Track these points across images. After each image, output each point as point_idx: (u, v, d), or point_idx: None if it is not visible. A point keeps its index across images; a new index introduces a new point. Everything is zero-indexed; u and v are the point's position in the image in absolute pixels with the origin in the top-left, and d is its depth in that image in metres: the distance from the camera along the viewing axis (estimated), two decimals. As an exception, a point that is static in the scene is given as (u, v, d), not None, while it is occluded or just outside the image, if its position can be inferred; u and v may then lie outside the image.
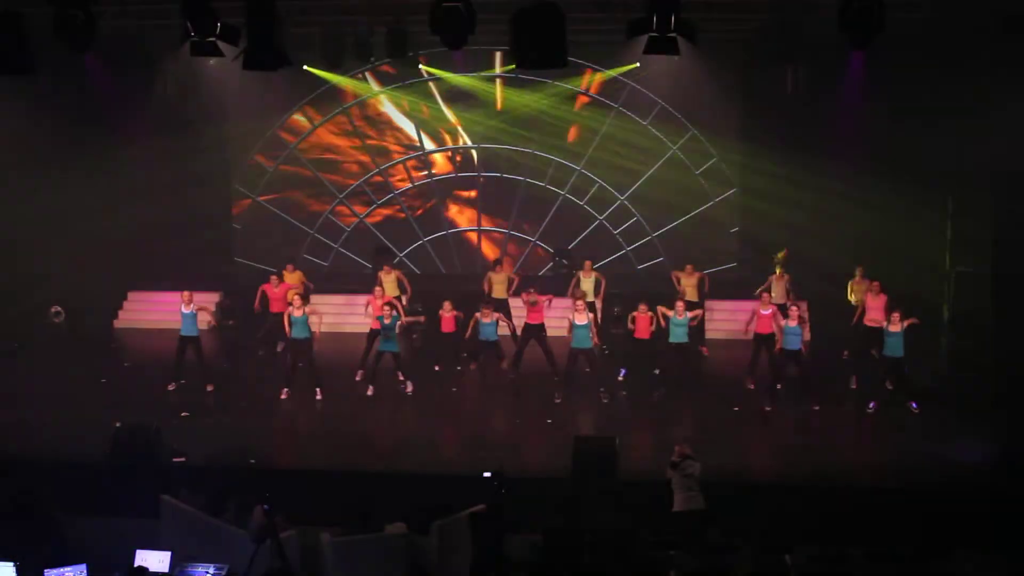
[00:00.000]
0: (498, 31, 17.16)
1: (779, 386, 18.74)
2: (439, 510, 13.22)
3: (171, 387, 19.40)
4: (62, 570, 11.20)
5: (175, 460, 15.59)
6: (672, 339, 18.97)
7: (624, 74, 25.71)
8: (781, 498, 14.50)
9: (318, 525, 13.44)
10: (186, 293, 19.59)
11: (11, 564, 11.28)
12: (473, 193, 27.47)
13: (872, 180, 22.55)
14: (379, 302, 19.61)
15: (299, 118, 27.22)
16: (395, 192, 27.41)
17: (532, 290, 19.99)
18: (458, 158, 27.33)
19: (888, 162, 22.03)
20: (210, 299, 23.45)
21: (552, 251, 26.91)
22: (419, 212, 27.54)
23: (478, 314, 19.16)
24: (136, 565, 11.42)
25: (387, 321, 19.02)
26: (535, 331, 19.64)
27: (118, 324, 23.36)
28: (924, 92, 20.43)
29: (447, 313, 19.76)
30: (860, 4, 14.08)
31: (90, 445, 16.25)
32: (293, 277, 22.26)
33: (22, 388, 19.41)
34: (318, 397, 18.90)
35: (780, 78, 24.64)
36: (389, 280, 21.75)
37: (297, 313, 18.79)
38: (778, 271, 21.83)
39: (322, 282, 24.48)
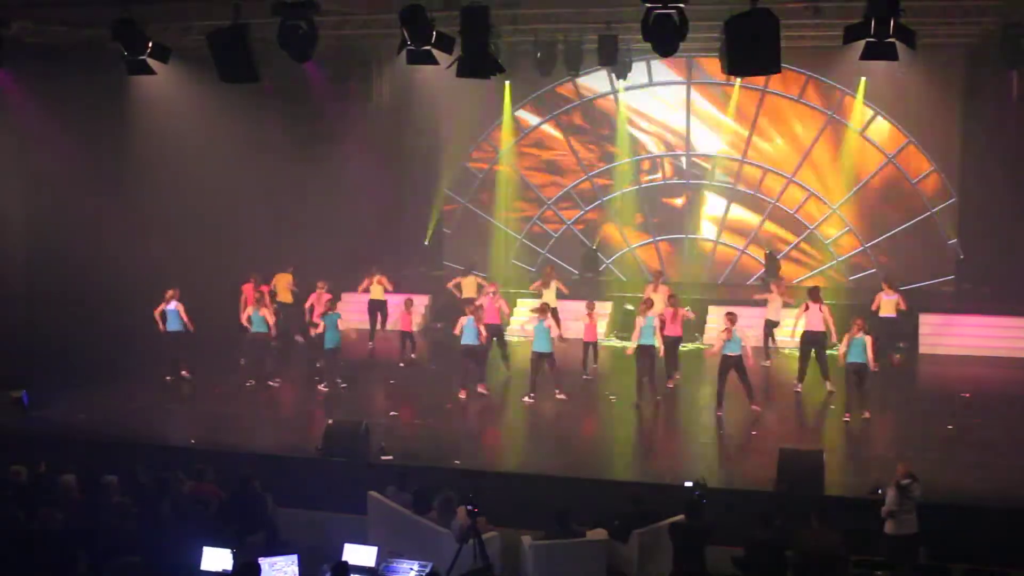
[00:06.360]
0: (708, 38, 17.13)
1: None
2: (640, 518, 13.18)
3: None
4: (274, 559, 11.51)
5: (383, 458, 15.95)
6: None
7: (838, 80, 25.19)
8: (998, 520, 13.83)
9: (519, 528, 13.56)
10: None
11: (229, 551, 11.74)
12: (682, 200, 27.34)
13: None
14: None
15: (521, 116, 27.69)
16: (603, 199, 27.50)
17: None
18: (668, 165, 27.27)
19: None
20: (420, 301, 24.08)
21: (768, 253, 26.45)
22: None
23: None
24: (343, 559, 11.70)
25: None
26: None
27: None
28: None
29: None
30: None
31: (303, 441, 16.85)
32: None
33: (238, 384, 20.19)
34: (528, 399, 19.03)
35: (1004, 85, 23.69)
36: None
37: None
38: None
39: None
